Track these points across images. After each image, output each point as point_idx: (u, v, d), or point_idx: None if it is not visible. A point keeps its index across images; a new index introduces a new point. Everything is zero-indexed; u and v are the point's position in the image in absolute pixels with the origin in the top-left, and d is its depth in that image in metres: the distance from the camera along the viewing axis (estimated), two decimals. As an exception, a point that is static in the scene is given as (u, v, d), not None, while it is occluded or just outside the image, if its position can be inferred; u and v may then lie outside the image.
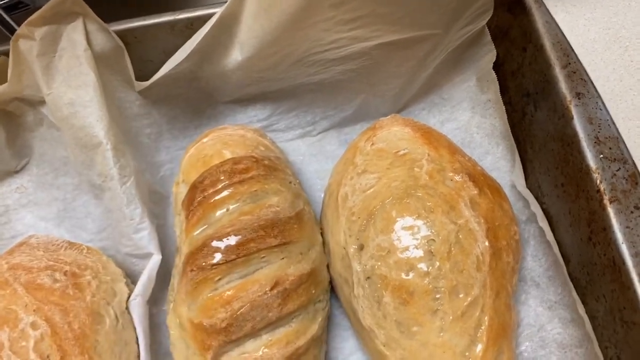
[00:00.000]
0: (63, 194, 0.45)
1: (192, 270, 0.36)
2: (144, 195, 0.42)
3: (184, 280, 0.36)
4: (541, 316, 0.38)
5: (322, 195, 0.44)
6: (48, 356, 0.34)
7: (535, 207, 0.39)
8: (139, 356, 0.38)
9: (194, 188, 0.39)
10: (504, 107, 0.43)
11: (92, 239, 0.44)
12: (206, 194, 0.38)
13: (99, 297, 0.38)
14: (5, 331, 0.34)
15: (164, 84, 0.43)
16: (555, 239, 0.38)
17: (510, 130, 0.42)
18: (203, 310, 0.35)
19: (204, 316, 0.35)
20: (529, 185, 0.41)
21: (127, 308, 0.39)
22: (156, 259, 0.40)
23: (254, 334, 0.35)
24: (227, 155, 0.40)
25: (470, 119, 0.45)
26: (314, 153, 0.47)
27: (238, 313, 0.34)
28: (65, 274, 0.38)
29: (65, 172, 0.45)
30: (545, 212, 0.39)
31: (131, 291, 0.39)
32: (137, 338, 0.38)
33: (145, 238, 0.40)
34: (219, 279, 0.35)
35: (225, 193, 0.38)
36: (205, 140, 0.42)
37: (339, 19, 0.37)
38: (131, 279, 0.41)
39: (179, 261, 0.39)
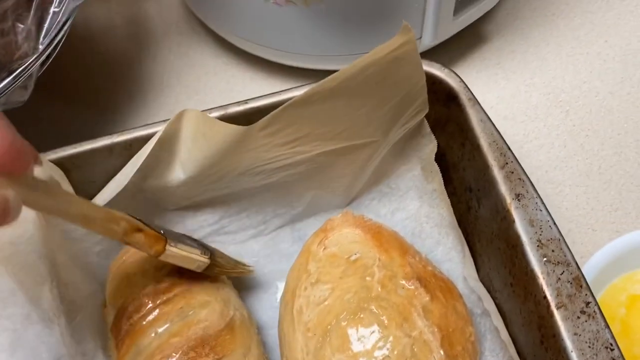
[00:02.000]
0: (13, 325, 0.43)
1: None
2: (96, 323, 0.41)
3: None
4: (504, 414, 0.38)
5: (279, 299, 0.44)
6: None
7: (489, 303, 0.39)
8: None
9: (120, 315, 0.39)
10: (448, 199, 0.43)
11: (47, 368, 0.43)
12: (132, 321, 0.38)
13: None
14: None
15: (108, 202, 0.43)
16: (510, 336, 0.38)
17: (456, 222, 0.43)
18: None
19: None
20: (481, 278, 0.42)
21: None
22: (112, 392, 0.39)
23: None
24: (150, 271, 0.40)
25: (419, 209, 0.45)
26: (268, 253, 0.47)
27: None
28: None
29: (14, 302, 0.43)
30: (499, 307, 0.40)
31: None
32: None
33: (98, 372, 0.39)
34: None
35: (150, 317, 0.37)
36: (125, 257, 0.42)
37: (277, 142, 0.37)
38: (90, 410, 0.40)
39: None
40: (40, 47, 0.42)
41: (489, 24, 0.59)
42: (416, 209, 0.46)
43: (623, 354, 0.32)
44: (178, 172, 0.41)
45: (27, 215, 0.39)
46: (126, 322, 0.38)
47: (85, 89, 0.60)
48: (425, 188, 0.45)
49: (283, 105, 0.34)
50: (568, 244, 0.42)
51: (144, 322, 0.37)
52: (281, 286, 0.45)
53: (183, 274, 0.40)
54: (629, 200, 0.50)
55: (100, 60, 0.62)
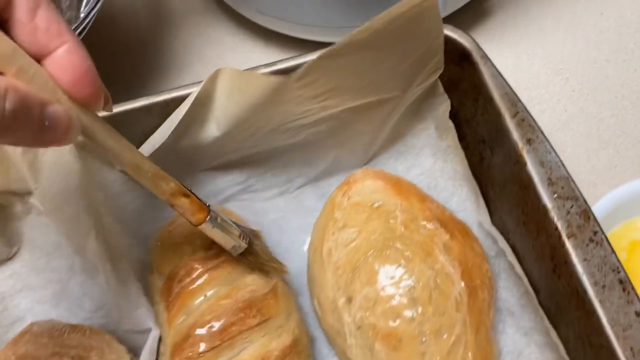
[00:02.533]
0: (57, 276, 0.46)
1: None
2: (137, 271, 0.44)
3: None
4: (518, 343, 0.41)
5: (306, 249, 0.47)
6: None
7: (503, 243, 0.43)
8: None
9: (171, 280, 0.41)
10: (462, 152, 0.46)
11: (90, 317, 0.45)
12: (183, 284, 0.40)
13: (107, 377, 0.39)
14: (20, 423, 0.36)
15: (145, 159, 0.46)
16: (524, 272, 0.42)
17: (471, 173, 0.46)
18: None
19: (197, 405, 0.36)
20: (494, 222, 0.45)
21: (134, 383, 0.41)
22: (155, 333, 0.41)
23: None
24: (197, 241, 0.42)
25: (434, 165, 0.49)
26: (293, 209, 0.50)
27: None
28: (72, 358, 0.39)
29: (59, 255, 0.46)
30: (512, 247, 0.43)
31: (136, 366, 0.41)
32: (147, 411, 0.40)
33: (142, 315, 0.42)
34: None
35: (200, 281, 0.40)
36: (171, 228, 0.45)
37: (308, 95, 0.40)
38: (133, 352, 0.43)
39: (164, 350, 0.41)
40: (81, 16, 0.45)
41: None
42: (430, 164, 0.49)
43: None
44: (212, 129, 0.44)
45: (73, 169, 0.42)
46: (177, 285, 0.40)
47: (109, 67, 0.63)
48: (439, 145, 0.49)
49: (317, 56, 0.37)
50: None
51: (194, 286, 0.40)
52: (307, 238, 0.48)
53: None
54: (626, 157, 0.53)
55: (123, 40, 0.65)
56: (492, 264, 0.44)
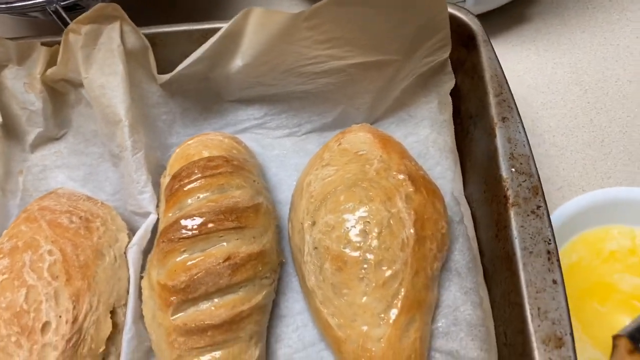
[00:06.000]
0: (90, 161, 0.55)
1: (163, 242, 0.45)
2: (152, 167, 0.51)
3: (157, 249, 0.45)
4: (457, 299, 0.45)
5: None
6: (57, 277, 0.44)
7: (465, 208, 0.47)
8: (127, 291, 0.47)
9: (174, 179, 0.48)
10: (453, 126, 0.51)
11: (107, 199, 0.54)
12: (182, 183, 0.47)
13: (103, 240, 0.47)
14: (28, 254, 0.44)
15: (180, 81, 0.53)
16: (477, 238, 0.45)
17: (456, 146, 0.50)
18: (168, 274, 0.43)
19: (168, 279, 0.43)
20: (466, 193, 0.49)
21: (125, 253, 0.48)
22: (153, 217, 0.49)
23: (207, 296, 0.43)
24: (205, 154, 0.49)
25: (429, 135, 0.53)
26: (297, 150, 0.56)
27: (195, 277, 0.43)
28: (80, 218, 0.47)
29: (94, 143, 0.55)
30: (473, 215, 0.47)
31: (130, 241, 0.49)
32: (129, 278, 0.47)
33: (146, 199, 0.49)
34: (184, 250, 0.44)
35: (196, 184, 0.46)
36: (190, 142, 0.52)
37: (315, 39, 0.46)
38: (132, 232, 0.51)
39: (158, 236, 0.48)
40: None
41: (534, 7, 0.65)
42: (426, 135, 0.53)
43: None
44: (238, 61, 0.51)
45: (118, 69, 0.50)
46: (177, 184, 0.47)
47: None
48: (438, 118, 0.53)
49: (323, 1, 0.43)
50: (558, 198, 0.49)
51: (190, 186, 0.46)
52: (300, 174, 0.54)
53: (230, 162, 0.49)
54: (623, 172, 0.55)
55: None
56: (454, 228, 0.48)
